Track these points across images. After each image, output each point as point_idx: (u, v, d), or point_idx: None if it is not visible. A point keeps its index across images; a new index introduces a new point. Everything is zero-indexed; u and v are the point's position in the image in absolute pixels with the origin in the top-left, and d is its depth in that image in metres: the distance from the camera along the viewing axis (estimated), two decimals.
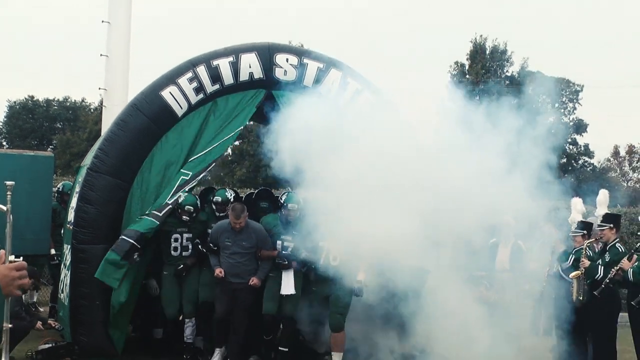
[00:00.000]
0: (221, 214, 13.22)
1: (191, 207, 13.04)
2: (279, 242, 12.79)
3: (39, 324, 12.95)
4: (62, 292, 13.90)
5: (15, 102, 71.08)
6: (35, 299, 16.52)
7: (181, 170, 13.09)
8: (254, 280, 12.57)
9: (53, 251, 15.99)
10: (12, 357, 12.67)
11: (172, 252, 13.16)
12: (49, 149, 61.83)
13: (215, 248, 12.73)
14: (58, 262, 16.00)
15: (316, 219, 11.96)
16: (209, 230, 13.14)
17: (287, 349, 12.88)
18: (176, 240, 13.15)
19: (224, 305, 12.70)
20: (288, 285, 12.63)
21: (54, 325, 13.31)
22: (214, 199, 13.41)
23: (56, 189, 17.02)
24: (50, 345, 13.03)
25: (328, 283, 12.27)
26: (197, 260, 13.19)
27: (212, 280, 12.88)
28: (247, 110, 13.47)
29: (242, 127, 13.69)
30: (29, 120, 70.15)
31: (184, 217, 13.03)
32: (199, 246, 13.14)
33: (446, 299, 12.14)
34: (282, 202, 12.99)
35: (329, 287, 12.35)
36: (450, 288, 12.29)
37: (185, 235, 13.18)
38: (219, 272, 12.55)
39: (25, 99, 71.16)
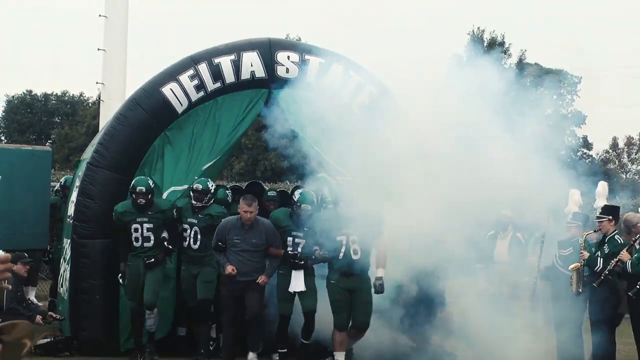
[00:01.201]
0: (198, 203, 12.65)
1: (142, 188, 12.53)
2: (289, 239, 12.40)
3: (38, 317, 12.95)
4: (62, 287, 13.90)
5: (13, 96, 71.08)
6: (30, 296, 16.30)
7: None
8: (262, 278, 12.10)
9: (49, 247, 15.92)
10: None
11: (134, 242, 12.64)
12: (47, 144, 61.88)
13: (223, 246, 12.15)
14: (48, 259, 16.02)
15: (339, 212, 11.83)
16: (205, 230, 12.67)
17: (308, 342, 12.57)
18: (136, 230, 12.59)
19: (234, 306, 12.21)
20: (298, 282, 12.29)
21: (55, 316, 13.28)
22: (194, 186, 12.72)
23: (59, 183, 17.01)
24: (49, 339, 13.04)
25: (350, 278, 11.89)
26: (166, 255, 12.85)
27: (212, 279, 12.62)
28: (253, 112, 13.58)
29: (245, 129, 14.00)
30: (27, 114, 70.12)
31: (139, 200, 12.50)
32: (165, 243, 12.73)
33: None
34: (294, 200, 12.42)
35: (350, 282, 11.90)
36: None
37: (146, 226, 12.61)
38: (231, 269, 11.93)
39: (24, 93, 71.19)
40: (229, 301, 12.24)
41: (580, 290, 12.20)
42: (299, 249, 12.30)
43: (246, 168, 45.65)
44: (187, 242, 12.73)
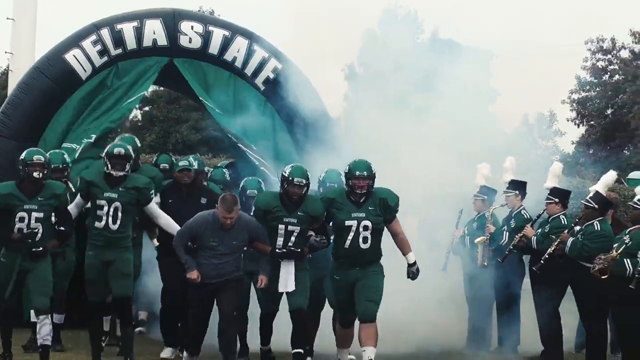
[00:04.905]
0: (118, 173, 10.27)
1: (41, 157, 10.17)
2: (281, 227, 10.29)
3: None
4: None
5: None
6: None
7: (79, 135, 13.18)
8: (263, 281, 10.18)
9: None
10: None
11: (16, 234, 10.09)
12: None
13: (194, 247, 10.18)
14: None
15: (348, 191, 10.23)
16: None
17: (302, 350, 10.41)
18: (22, 220, 10.05)
19: (202, 310, 10.28)
20: (288, 280, 10.31)
21: None
22: (115, 151, 10.36)
23: None
24: None
25: (356, 269, 10.16)
26: (59, 245, 10.64)
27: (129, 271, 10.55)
28: (149, 78, 13.73)
29: (141, 94, 13.96)
30: None
31: (34, 173, 9.98)
32: (56, 226, 10.32)
33: None
34: (285, 175, 10.31)
35: (356, 273, 10.17)
36: None
37: (35, 215, 10.08)
38: (196, 276, 9.96)
39: None
40: (200, 301, 10.31)
41: (486, 264, 12.39)
42: (293, 238, 10.37)
43: (157, 140, 45.23)
44: (103, 222, 10.37)
